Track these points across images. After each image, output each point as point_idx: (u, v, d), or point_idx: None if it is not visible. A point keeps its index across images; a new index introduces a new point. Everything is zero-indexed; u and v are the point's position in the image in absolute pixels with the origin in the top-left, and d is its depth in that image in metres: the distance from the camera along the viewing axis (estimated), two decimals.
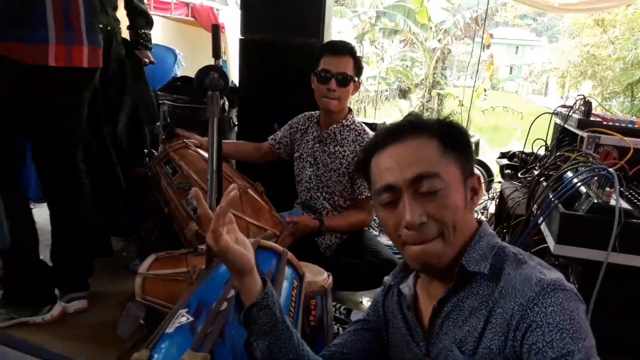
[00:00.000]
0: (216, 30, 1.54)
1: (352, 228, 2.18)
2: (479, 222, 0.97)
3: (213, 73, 1.46)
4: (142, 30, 2.58)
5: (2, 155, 1.70)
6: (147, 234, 2.41)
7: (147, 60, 2.66)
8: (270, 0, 2.67)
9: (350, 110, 2.24)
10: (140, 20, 2.58)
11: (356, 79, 2.16)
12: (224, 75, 1.48)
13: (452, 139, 0.93)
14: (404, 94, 19.82)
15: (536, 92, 27.99)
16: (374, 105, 16.14)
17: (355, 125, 2.21)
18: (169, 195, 2.14)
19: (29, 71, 1.53)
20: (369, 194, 2.13)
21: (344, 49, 2.15)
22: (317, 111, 2.30)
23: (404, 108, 18.07)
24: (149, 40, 2.65)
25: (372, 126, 2.89)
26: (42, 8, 1.46)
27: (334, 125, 2.20)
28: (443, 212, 0.88)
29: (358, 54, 2.21)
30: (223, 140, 2.45)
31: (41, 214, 2.05)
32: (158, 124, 3.22)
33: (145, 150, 2.31)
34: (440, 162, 0.90)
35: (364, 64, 2.26)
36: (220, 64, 1.54)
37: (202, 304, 1.18)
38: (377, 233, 2.36)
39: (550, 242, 1.68)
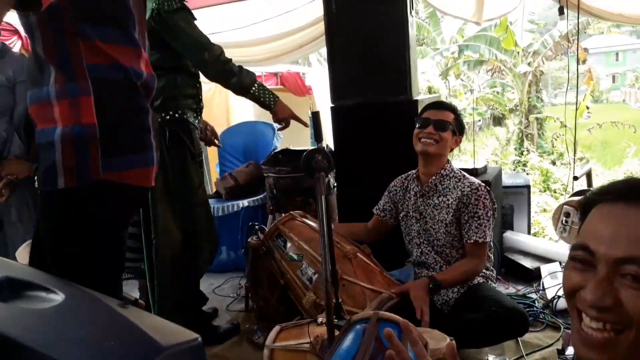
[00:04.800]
0: (316, 117, 1.66)
1: (465, 278, 2.13)
2: None
3: (317, 155, 1.57)
4: None
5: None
6: (265, 303, 2.53)
7: None
8: (355, 64, 2.78)
9: (448, 160, 2.25)
10: None
11: (456, 131, 2.21)
12: (327, 157, 1.58)
13: None
14: (498, 121, 19.16)
15: None
16: (467, 137, 15.74)
17: (455, 172, 2.22)
18: (283, 267, 2.24)
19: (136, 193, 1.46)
20: (478, 239, 2.09)
21: (444, 105, 2.29)
22: (412, 171, 2.33)
23: (500, 135, 17.42)
24: None
25: (472, 171, 2.85)
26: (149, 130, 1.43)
27: (434, 177, 2.21)
28: (637, 309, 0.70)
29: (456, 109, 2.29)
30: (335, 223, 2.55)
31: None
32: (264, 194, 3.43)
33: (257, 225, 2.46)
34: None
35: (451, 98, 2.32)
36: (324, 146, 1.65)
37: None
38: (495, 284, 2.28)
39: None
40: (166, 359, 0.42)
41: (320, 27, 3.53)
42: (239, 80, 2.26)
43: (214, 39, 2.31)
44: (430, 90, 12.70)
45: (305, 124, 2.53)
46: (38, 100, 1.32)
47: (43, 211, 1.43)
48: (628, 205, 0.75)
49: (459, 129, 2.23)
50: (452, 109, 2.26)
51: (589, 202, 0.82)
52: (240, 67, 2.27)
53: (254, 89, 2.31)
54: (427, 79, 13.38)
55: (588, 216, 0.81)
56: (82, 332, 0.48)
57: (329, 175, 3.10)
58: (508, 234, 3.21)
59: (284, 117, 2.42)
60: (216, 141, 2.66)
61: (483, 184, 2.18)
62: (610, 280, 0.72)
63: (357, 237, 2.46)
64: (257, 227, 2.45)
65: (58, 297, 0.58)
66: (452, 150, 2.26)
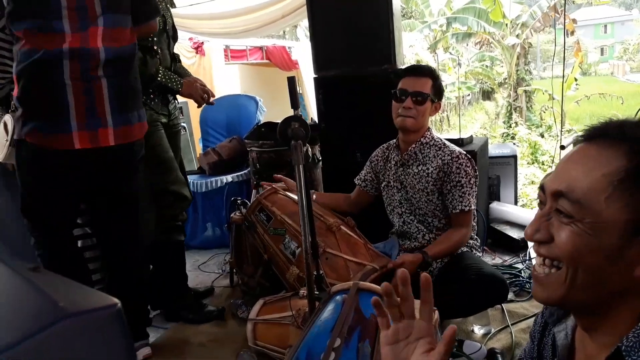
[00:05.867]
0: (292, 82, 1.59)
1: (455, 248, 2.11)
2: None
3: (294, 123, 1.52)
4: None
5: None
6: (249, 279, 2.50)
7: None
8: (338, 34, 2.71)
9: (428, 128, 2.20)
10: None
11: (435, 98, 2.13)
12: (304, 124, 1.52)
13: None
14: (487, 95, 19.12)
15: (635, 70, 25.75)
16: (457, 112, 15.72)
17: (435, 140, 2.17)
18: (266, 241, 2.21)
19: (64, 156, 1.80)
20: (463, 207, 2.06)
21: (422, 71, 2.17)
22: (392, 140, 2.28)
23: (489, 109, 17.40)
24: None
25: (458, 141, 2.81)
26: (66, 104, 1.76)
27: (413, 145, 2.16)
28: (567, 245, 0.71)
29: (434, 72, 2.19)
30: (316, 193, 2.51)
31: None
32: (248, 169, 3.38)
33: (239, 200, 2.42)
34: (603, 192, 0.68)
35: (440, 72, 2.24)
36: (300, 113, 1.59)
37: (311, 355, 1.19)
38: (480, 254, 2.26)
39: None
40: (72, 325, 0.38)
41: None
42: (147, 70, 2.22)
43: (194, 11, 2.24)
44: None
45: (210, 103, 2.47)
46: None
47: None
48: (588, 145, 0.74)
49: (437, 95, 2.15)
50: (429, 73, 2.15)
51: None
52: (141, 58, 2.20)
53: (160, 75, 2.28)
54: (416, 52, 13.26)
55: None
56: None
57: (314, 148, 3.04)
58: (494, 205, 3.19)
59: (188, 93, 2.38)
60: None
61: (464, 152, 2.13)
62: (548, 215, 0.74)
63: (340, 208, 2.43)
64: (239, 201, 2.40)
65: None
66: (432, 115, 2.19)
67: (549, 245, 0.73)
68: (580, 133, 0.78)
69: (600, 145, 0.71)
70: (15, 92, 1.78)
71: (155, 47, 2.30)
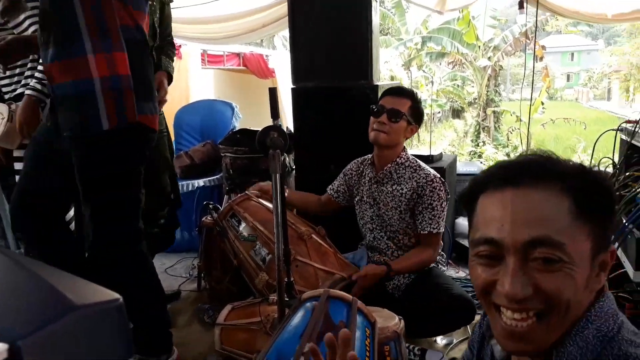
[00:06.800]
0: (273, 93, 1.63)
1: (419, 267, 2.17)
2: (598, 294, 0.75)
3: (273, 133, 1.55)
4: None
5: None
6: (217, 283, 2.50)
7: None
8: (318, 46, 2.76)
9: (404, 148, 2.26)
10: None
11: (411, 120, 2.17)
12: (283, 134, 1.56)
13: (592, 200, 0.72)
14: (457, 113, 19.54)
15: (598, 97, 26.80)
16: (427, 128, 16.00)
17: (410, 162, 2.21)
18: (237, 247, 2.22)
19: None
20: (432, 230, 2.12)
21: (402, 91, 2.22)
22: (368, 155, 2.34)
23: (458, 127, 17.77)
24: None
25: (427, 158, 2.90)
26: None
27: (389, 165, 2.21)
28: (556, 291, 0.70)
29: (415, 96, 2.23)
30: (289, 189, 2.55)
31: None
32: (221, 175, 3.38)
33: (211, 205, 2.43)
34: (568, 230, 0.70)
35: (413, 89, 2.29)
36: (279, 123, 1.63)
37: (280, 359, 1.22)
38: (445, 268, 2.33)
39: (629, 268, 1.61)
40: (80, 317, 0.40)
41: (284, 7, 3.48)
42: None
43: (175, 14, 2.24)
44: (392, 80, 12.80)
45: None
46: (65, 58, 1.53)
47: (81, 154, 1.63)
48: (516, 188, 0.73)
49: (414, 118, 2.18)
50: (410, 95, 2.20)
51: (472, 194, 0.80)
52: None
53: None
54: (390, 68, 13.46)
55: (476, 209, 0.79)
56: None
57: (288, 157, 3.08)
58: (460, 220, 3.29)
59: None
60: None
61: (438, 175, 2.18)
62: (523, 269, 0.71)
63: (309, 208, 2.49)
64: (211, 206, 2.41)
65: None
66: (407, 138, 2.24)
67: (533, 300, 0.71)
68: (478, 181, 0.78)
69: (538, 187, 0.72)
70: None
71: None
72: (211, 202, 2.53)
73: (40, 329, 0.37)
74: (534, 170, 0.74)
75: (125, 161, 1.67)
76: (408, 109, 2.15)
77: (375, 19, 2.77)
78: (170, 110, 2.78)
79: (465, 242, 3.14)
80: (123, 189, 1.69)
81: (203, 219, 2.50)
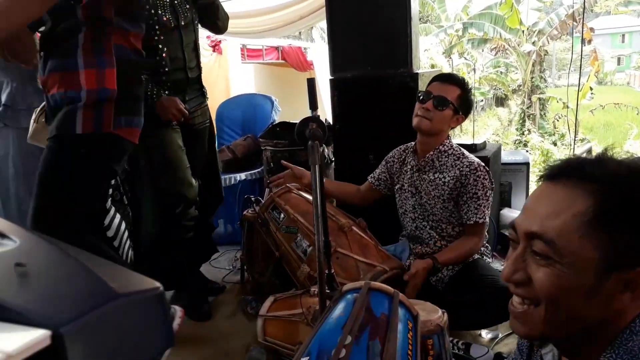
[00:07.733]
0: (311, 83, 1.62)
1: (465, 257, 2.12)
2: None
3: (312, 124, 1.54)
4: None
5: None
6: (260, 276, 2.53)
7: None
8: (355, 36, 2.73)
9: (448, 136, 2.20)
10: None
11: (459, 109, 2.10)
12: (322, 125, 1.55)
13: (616, 211, 0.70)
14: (501, 101, 19.04)
15: None
16: (470, 117, 15.64)
17: (453, 149, 2.16)
18: (278, 239, 2.24)
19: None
20: (478, 220, 2.07)
21: (452, 78, 2.14)
22: (411, 143, 2.29)
23: (502, 116, 17.31)
24: None
25: (470, 147, 2.83)
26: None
27: (431, 153, 2.16)
28: (541, 284, 0.73)
29: (466, 84, 2.14)
30: (327, 180, 2.54)
31: None
32: (261, 168, 3.41)
33: (253, 198, 2.45)
34: (571, 234, 0.71)
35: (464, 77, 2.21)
36: (318, 114, 1.62)
37: (322, 351, 1.21)
38: (490, 260, 2.27)
39: None
40: (121, 305, 0.41)
41: None
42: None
43: None
44: (432, 68, 12.58)
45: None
46: (60, 70, 1.62)
47: (52, 152, 1.65)
48: (553, 184, 0.76)
49: (462, 108, 2.10)
50: (460, 83, 2.11)
51: (539, 182, 0.83)
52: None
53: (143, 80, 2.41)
54: (430, 56, 13.23)
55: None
56: (34, 276, 0.47)
57: (327, 148, 3.07)
58: (505, 211, 3.20)
59: (159, 112, 2.29)
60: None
61: (482, 164, 2.11)
62: (524, 256, 0.76)
63: (348, 198, 2.47)
64: (253, 199, 2.43)
65: (12, 243, 0.56)
66: (452, 128, 2.17)
67: (527, 287, 0.75)
68: (543, 172, 0.81)
69: (566, 185, 0.74)
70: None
71: (160, 47, 2.24)
72: (253, 196, 2.55)
73: (82, 316, 0.38)
74: (572, 169, 0.76)
75: (91, 169, 1.68)
76: (456, 97, 2.08)
77: (414, 5, 2.71)
78: (212, 105, 2.82)
79: None
80: (79, 195, 1.67)
81: (245, 212, 2.52)
